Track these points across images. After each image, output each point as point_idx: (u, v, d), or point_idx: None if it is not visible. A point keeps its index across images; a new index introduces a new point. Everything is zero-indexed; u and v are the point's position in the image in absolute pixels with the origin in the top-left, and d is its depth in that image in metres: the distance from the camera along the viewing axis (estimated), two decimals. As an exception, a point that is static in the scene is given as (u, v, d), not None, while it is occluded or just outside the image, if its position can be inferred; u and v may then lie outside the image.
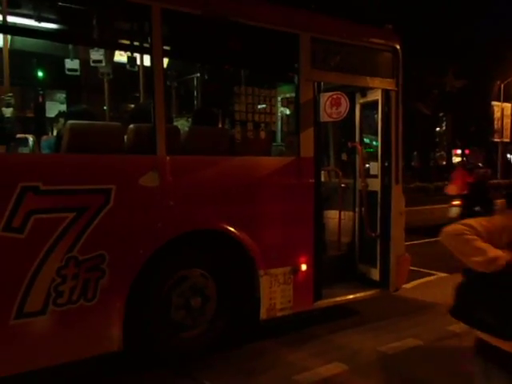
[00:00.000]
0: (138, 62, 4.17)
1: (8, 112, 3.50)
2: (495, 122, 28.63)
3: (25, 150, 3.67)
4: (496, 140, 29.40)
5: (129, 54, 4.39)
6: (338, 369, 3.82)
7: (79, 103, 4.40)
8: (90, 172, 3.38)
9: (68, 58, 4.49)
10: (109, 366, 3.67)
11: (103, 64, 4.28)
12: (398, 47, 5.08)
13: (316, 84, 4.53)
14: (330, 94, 4.71)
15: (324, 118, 4.68)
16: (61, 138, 3.48)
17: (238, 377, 3.71)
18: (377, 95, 5.10)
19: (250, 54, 4.26)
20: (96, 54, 4.24)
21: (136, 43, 3.91)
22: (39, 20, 3.89)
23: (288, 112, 4.41)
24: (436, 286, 6.33)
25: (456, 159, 47.59)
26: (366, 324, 4.87)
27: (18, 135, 3.66)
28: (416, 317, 5.14)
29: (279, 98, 4.40)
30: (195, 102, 5.02)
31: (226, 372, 3.80)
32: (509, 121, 29.08)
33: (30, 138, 3.72)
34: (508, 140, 29.84)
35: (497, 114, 28.64)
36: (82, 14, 3.69)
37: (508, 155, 36.36)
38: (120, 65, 4.60)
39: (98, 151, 3.44)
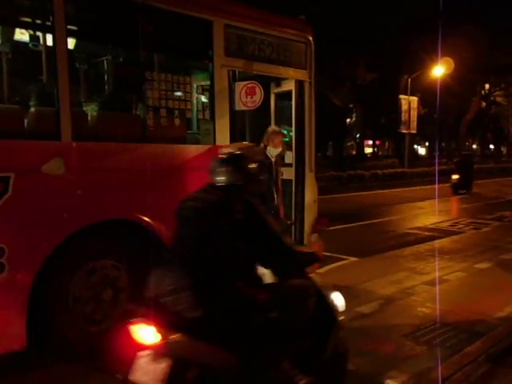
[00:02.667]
0: (42, 42, 3.88)
1: None
2: (403, 115, 30.28)
3: None
4: (403, 131, 31.12)
5: (31, 32, 4.07)
6: None
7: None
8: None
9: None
10: (18, 363, 3.44)
11: (0, 42, 3.94)
12: (310, 38, 5.20)
13: (231, 72, 4.51)
14: (245, 82, 4.72)
15: (239, 106, 4.69)
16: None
17: None
18: (291, 86, 5.19)
19: (162, 39, 4.13)
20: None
21: (38, 21, 3.63)
22: None
23: (203, 100, 4.35)
24: (348, 270, 6.63)
25: (368, 150, 50.14)
26: None
27: None
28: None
29: (195, 85, 4.32)
30: (106, 87, 4.79)
31: None
32: (415, 113, 30.94)
33: None
34: (415, 132, 31.78)
35: (404, 107, 30.28)
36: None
37: (415, 146, 38.83)
38: (21, 44, 4.26)
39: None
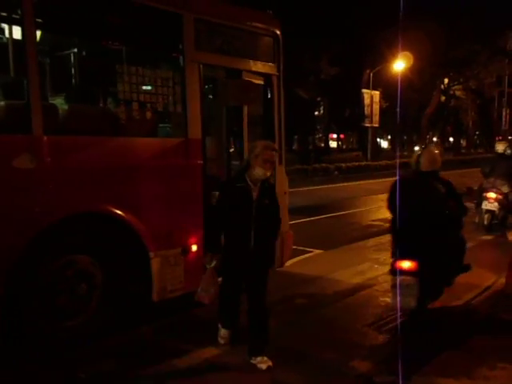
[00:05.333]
0: (7, 34, 3.81)
1: None
2: (365, 109, 30.88)
3: None
4: (366, 125, 31.71)
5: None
6: (216, 350, 3.82)
7: None
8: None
9: None
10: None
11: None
12: (278, 32, 5.27)
13: (202, 66, 4.54)
14: (240, 79, 4.80)
15: (232, 102, 4.78)
16: None
17: (115, 368, 3.56)
18: (260, 79, 5.25)
19: (132, 32, 4.12)
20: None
21: (6, 14, 3.57)
22: None
23: (174, 93, 4.36)
24: (313, 262, 6.75)
25: (333, 143, 50.78)
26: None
27: None
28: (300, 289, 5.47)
29: (165, 79, 4.32)
30: (73, 80, 4.73)
31: (104, 363, 3.61)
32: (377, 107, 31.58)
33: None
34: (377, 125, 32.43)
35: (367, 101, 30.89)
36: None
37: (378, 139, 39.63)
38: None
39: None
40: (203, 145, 4.53)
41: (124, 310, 4.19)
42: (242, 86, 4.87)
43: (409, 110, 36.34)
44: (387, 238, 7.84)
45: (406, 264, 3.64)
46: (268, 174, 3.51)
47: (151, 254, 4.17)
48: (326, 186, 17.64)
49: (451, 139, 52.85)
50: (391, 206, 4.14)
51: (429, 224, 3.81)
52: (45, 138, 3.44)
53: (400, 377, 3.26)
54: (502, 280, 5.14)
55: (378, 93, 31.33)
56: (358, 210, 12.29)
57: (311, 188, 16.96)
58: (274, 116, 5.29)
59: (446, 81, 36.77)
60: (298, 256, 6.83)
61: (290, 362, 3.64)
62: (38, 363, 3.49)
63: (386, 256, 6.59)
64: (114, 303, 4.09)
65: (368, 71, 30.56)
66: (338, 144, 55.19)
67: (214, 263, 3.54)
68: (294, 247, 6.67)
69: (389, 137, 47.75)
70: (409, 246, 3.70)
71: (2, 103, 3.41)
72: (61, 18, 3.69)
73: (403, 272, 3.63)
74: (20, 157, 3.32)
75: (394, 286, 3.80)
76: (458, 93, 39.18)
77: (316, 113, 39.83)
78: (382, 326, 4.30)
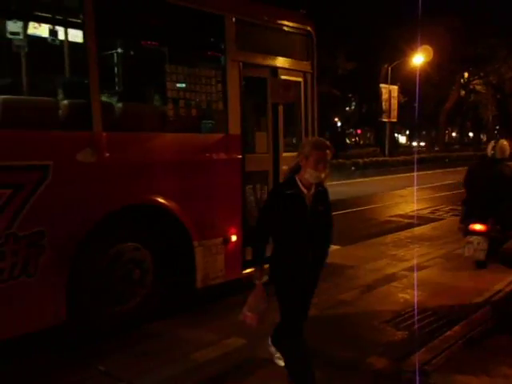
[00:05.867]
0: (71, 39, 4.09)
1: None
2: (383, 103, 30.78)
3: None
4: (384, 120, 31.59)
5: (51, 27, 4.26)
6: (237, 343, 3.82)
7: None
8: (26, 148, 3.33)
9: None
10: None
11: (21, 37, 4.11)
12: (312, 31, 5.48)
13: (242, 65, 4.76)
14: (281, 78, 5.08)
15: (275, 99, 5.03)
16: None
17: (133, 360, 3.58)
18: (296, 77, 5.45)
19: (180, 35, 4.37)
20: (14, 26, 4.06)
21: (70, 19, 3.84)
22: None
23: (217, 91, 4.59)
24: (330, 258, 6.43)
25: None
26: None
27: None
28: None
29: (209, 78, 4.55)
30: (127, 80, 4.96)
31: (122, 356, 3.64)
32: (396, 102, 31.45)
33: None
34: (395, 120, 32.32)
35: (385, 96, 30.81)
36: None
37: (395, 134, 39.47)
38: (40, 38, 4.44)
39: (32, 127, 3.39)
40: (250, 140, 4.76)
41: (168, 297, 4.44)
42: (282, 84, 5.07)
43: (427, 104, 36.11)
44: (405, 234, 8.13)
45: (478, 227, 4.73)
46: (322, 176, 2.97)
47: (195, 243, 4.41)
48: (342, 182, 17.48)
49: (470, 134, 52.29)
50: (466, 184, 5.31)
51: (496, 198, 4.96)
52: (103, 134, 3.70)
53: (417, 373, 3.26)
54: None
55: (396, 87, 31.16)
56: (376, 205, 12.23)
57: (327, 184, 16.85)
58: (308, 112, 5.50)
59: (466, 75, 36.42)
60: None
61: None
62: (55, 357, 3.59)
63: (404, 252, 6.73)
64: (160, 291, 4.35)
65: (386, 66, 30.42)
66: (355, 139, 55.03)
67: (265, 278, 3.02)
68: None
69: (407, 132, 47.49)
70: (480, 213, 4.78)
71: (66, 102, 3.67)
72: (119, 25, 3.95)
73: (475, 233, 4.75)
74: (82, 151, 3.59)
75: (468, 243, 4.89)
76: (477, 87, 38.71)
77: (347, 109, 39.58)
78: (400, 323, 4.26)
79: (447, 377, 3.34)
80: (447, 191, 14.54)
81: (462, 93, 37.46)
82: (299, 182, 2.98)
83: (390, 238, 7.81)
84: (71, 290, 3.59)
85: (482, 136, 50.85)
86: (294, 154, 5.20)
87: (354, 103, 39.61)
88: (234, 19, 4.64)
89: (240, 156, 4.79)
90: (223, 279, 4.72)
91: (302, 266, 2.99)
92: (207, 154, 4.54)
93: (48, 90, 4.08)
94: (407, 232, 8.24)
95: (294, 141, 5.67)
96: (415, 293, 4.91)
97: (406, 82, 31.32)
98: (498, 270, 5.57)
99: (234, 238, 4.79)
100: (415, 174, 16.98)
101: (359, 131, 55.74)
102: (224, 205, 4.72)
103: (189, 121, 4.40)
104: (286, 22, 5.23)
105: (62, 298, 3.52)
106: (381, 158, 28.00)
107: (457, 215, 9.92)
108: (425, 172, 19.88)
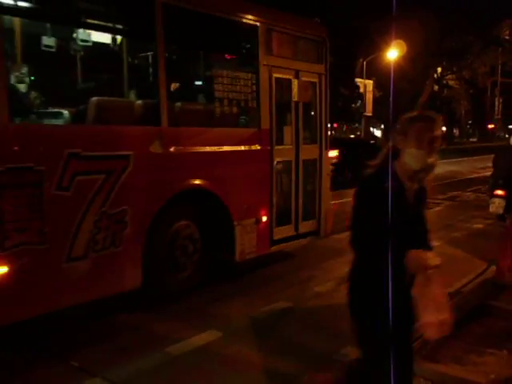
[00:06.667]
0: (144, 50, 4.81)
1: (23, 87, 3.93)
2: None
3: (59, 122, 4.10)
4: (366, 114, 32.19)
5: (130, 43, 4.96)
6: (213, 336, 3.90)
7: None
8: (114, 140, 4.01)
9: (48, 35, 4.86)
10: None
11: (90, 44, 4.76)
12: (326, 38, 6.25)
13: (271, 68, 5.50)
14: (303, 80, 5.83)
15: (297, 98, 5.80)
16: (83, 112, 4.01)
17: (108, 355, 3.59)
18: (313, 78, 6.21)
19: (226, 43, 5.11)
20: (84, 35, 4.70)
21: (143, 33, 4.53)
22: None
23: (251, 92, 5.32)
24: (306, 251, 6.46)
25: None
26: (246, 289, 5.04)
27: (52, 109, 4.08)
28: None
29: (245, 80, 5.27)
30: (185, 83, 5.67)
31: (97, 351, 3.66)
32: (371, 96, 32.28)
33: (65, 111, 4.15)
34: (370, 114, 33.13)
35: (360, 90, 31.57)
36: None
37: (371, 128, 40.58)
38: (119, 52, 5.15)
39: (117, 123, 4.06)
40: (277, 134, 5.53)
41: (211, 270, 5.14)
42: (303, 84, 5.84)
43: (402, 99, 37.12)
44: None
45: (499, 192, 5.73)
46: (431, 160, 2.20)
47: (235, 223, 5.15)
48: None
49: (444, 129, 53.88)
50: (493, 164, 6.16)
51: None
52: (169, 129, 4.40)
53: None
54: (493, 268, 5.34)
55: (371, 82, 31.77)
56: (351, 199, 12.60)
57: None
58: (322, 109, 6.28)
59: (440, 70, 37.63)
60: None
61: (283, 351, 3.70)
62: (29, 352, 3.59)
63: None
64: (205, 265, 5.07)
65: (361, 60, 31.01)
66: (331, 133, 55.88)
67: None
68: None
69: (382, 126, 48.74)
70: (502, 184, 5.78)
71: (141, 102, 4.36)
72: (182, 39, 4.66)
73: (497, 196, 5.70)
74: (153, 143, 4.28)
75: (492, 203, 5.79)
76: (451, 82, 40.08)
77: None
78: None
79: (419, 365, 3.25)
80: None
81: (436, 88, 38.77)
82: (398, 173, 2.22)
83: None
84: (146, 259, 4.29)
85: (454, 130, 52.71)
86: (311, 145, 6.28)
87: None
88: (265, 28, 5.38)
89: (269, 147, 5.54)
90: (255, 254, 5.48)
91: (401, 280, 2.14)
92: (244, 146, 5.28)
93: (127, 92, 4.75)
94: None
95: (309, 135, 6.45)
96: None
97: (381, 77, 31.86)
98: (469, 262, 5.98)
99: (264, 218, 5.55)
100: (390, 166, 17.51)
101: (335, 125, 56.77)
102: (256, 190, 5.47)
103: (230, 117, 5.13)
104: (305, 30, 5.99)
105: (139, 266, 4.22)
106: (357, 152, 28.57)
107: (430, 208, 9.64)
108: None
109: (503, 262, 5.07)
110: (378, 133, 45.63)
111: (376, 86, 33.01)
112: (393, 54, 28.86)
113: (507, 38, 34.89)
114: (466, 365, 3.44)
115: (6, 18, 3.70)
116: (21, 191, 3.38)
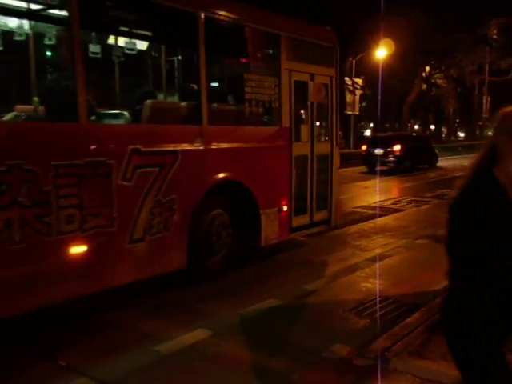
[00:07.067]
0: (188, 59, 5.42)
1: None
2: (348, 96, 31.95)
3: (121, 122, 4.67)
4: (349, 113, 32.66)
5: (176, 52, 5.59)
6: (203, 335, 3.88)
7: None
8: (169, 137, 4.60)
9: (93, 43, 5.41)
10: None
11: (135, 52, 5.34)
12: (336, 43, 6.87)
13: (291, 72, 6.11)
14: (317, 83, 6.44)
15: (313, 99, 6.41)
16: (139, 112, 4.58)
17: (96, 354, 3.56)
18: (325, 81, 6.82)
19: (255, 49, 5.69)
20: (130, 44, 5.28)
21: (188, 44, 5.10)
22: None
23: (274, 93, 5.92)
24: (296, 249, 6.59)
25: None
26: (235, 288, 5.09)
27: (114, 111, 4.64)
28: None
29: (269, 83, 5.87)
30: (220, 87, 6.31)
31: (85, 349, 3.64)
32: (358, 95, 32.60)
33: (125, 112, 4.70)
34: (358, 113, 33.42)
35: (349, 88, 31.95)
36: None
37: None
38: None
39: (165, 122, 4.63)
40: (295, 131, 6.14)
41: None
42: (317, 86, 6.45)
43: (391, 97, 37.73)
44: (368, 224, 8.37)
45: None
46: None
47: (261, 211, 5.75)
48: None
49: (432, 127, 54.69)
50: None
51: None
52: (208, 127, 4.98)
53: (379, 360, 3.35)
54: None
55: (360, 80, 32.41)
56: (341, 197, 11.90)
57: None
58: (333, 109, 6.90)
59: (428, 69, 38.21)
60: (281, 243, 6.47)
61: (272, 348, 3.73)
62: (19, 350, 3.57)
63: (368, 242, 7.06)
64: (234, 250, 5.64)
65: (350, 58, 31.40)
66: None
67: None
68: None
69: (371, 125, 49.38)
70: None
71: (185, 104, 4.94)
72: (219, 49, 5.23)
73: None
74: (196, 140, 4.86)
75: None
76: (439, 81, 40.69)
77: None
78: (363, 311, 4.39)
79: (407, 362, 3.40)
80: (410, 182, 15.07)
81: (424, 86, 39.44)
82: (501, 182, 1.99)
83: (354, 228, 8.09)
84: (189, 243, 4.86)
85: (442, 129, 53.49)
86: (324, 142, 6.92)
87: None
88: (286, 36, 5.98)
89: (289, 143, 6.15)
90: (277, 240, 6.09)
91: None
92: (268, 142, 5.88)
93: (173, 95, 5.32)
94: (370, 222, 8.56)
95: (322, 132, 7.06)
96: (378, 281, 5.09)
97: (369, 75, 32.19)
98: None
99: (285, 208, 6.15)
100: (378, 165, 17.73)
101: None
102: (278, 182, 6.08)
103: (257, 116, 5.73)
104: (319, 37, 6.61)
105: (185, 249, 4.80)
106: (346, 151, 28.67)
107: (418, 206, 10.20)
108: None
109: None
110: (367, 132, 46.34)
111: (365, 85, 33.48)
112: (381, 52, 29.39)
113: (495, 37, 35.61)
114: (452, 361, 3.58)
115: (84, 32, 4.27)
116: (96, 181, 3.95)
